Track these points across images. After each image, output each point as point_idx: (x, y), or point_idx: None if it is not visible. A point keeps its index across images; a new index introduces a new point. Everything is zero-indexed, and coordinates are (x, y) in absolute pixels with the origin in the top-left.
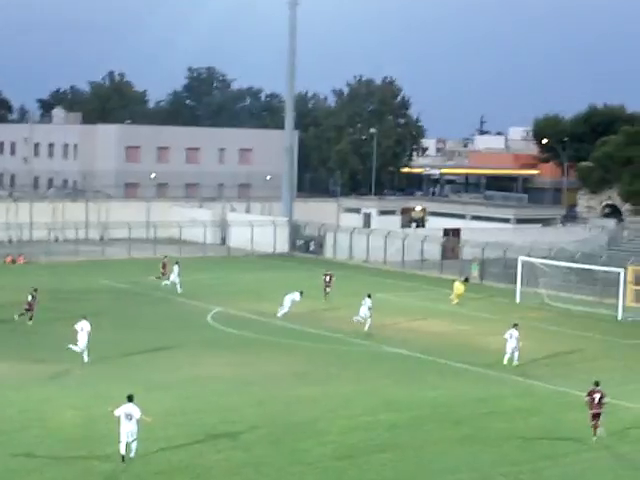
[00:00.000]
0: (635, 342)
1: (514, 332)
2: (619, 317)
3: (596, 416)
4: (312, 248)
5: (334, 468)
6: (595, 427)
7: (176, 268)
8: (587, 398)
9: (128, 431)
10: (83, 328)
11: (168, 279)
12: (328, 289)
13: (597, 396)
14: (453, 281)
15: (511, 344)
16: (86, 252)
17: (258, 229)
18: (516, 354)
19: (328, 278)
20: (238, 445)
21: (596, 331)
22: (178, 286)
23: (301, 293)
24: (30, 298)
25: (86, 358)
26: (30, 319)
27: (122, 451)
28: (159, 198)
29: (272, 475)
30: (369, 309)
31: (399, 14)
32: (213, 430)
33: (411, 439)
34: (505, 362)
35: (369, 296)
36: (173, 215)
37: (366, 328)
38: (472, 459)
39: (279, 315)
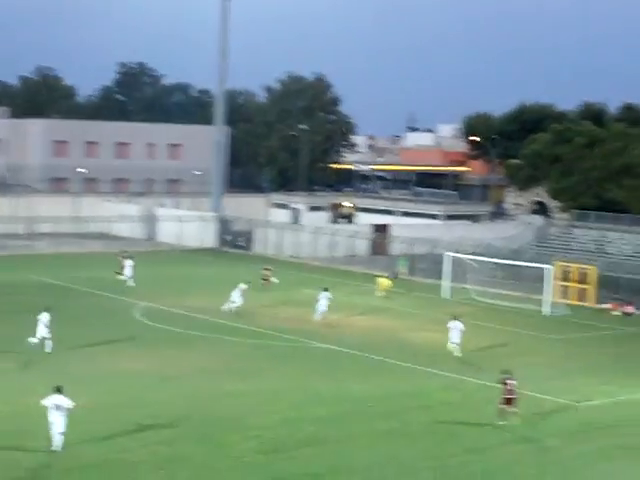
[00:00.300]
0: (561, 337)
1: (458, 324)
2: (545, 313)
3: (509, 401)
4: (241, 243)
5: (260, 462)
6: (504, 412)
7: (129, 262)
8: (501, 386)
9: (56, 422)
10: (41, 319)
11: (126, 275)
12: (266, 281)
13: (510, 382)
14: (377, 277)
15: (454, 335)
16: (14, 247)
17: (187, 224)
18: (456, 346)
19: (267, 272)
20: (164, 440)
21: (522, 326)
22: (131, 281)
23: (248, 283)
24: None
25: (48, 348)
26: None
27: (54, 443)
28: (88, 193)
29: (198, 470)
30: (328, 299)
31: (331, 11)
32: (139, 425)
33: (337, 433)
34: (454, 352)
35: (326, 289)
36: (102, 210)
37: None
38: (398, 453)
39: (227, 308)
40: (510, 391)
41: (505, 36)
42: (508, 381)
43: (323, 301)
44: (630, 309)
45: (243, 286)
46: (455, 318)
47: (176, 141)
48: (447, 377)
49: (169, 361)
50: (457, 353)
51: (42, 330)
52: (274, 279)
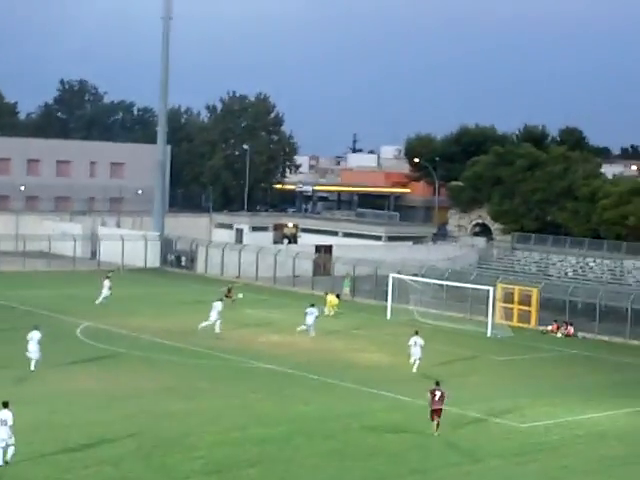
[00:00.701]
0: (503, 359)
1: (418, 339)
2: (488, 334)
3: (436, 412)
4: (183, 263)
5: None
6: (437, 423)
7: (107, 282)
8: (429, 396)
9: (2, 437)
10: (33, 337)
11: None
12: (230, 298)
13: (438, 394)
14: (325, 294)
15: (416, 351)
16: None
17: (129, 243)
18: (417, 362)
19: (227, 290)
20: (107, 460)
21: (465, 347)
22: (103, 298)
23: (221, 300)
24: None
25: (32, 367)
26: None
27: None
28: (29, 211)
29: None
30: (316, 317)
31: (274, 31)
32: (81, 445)
33: (280, 454)
34: (414, 370)
35: (312, 305)
36: (43, 228)
37: (312, 334)
38: (341, 474)
39: (204, 325)
40: (437, 402)
41: (448, 58)
42: (436, 392)
43: (310, 317)
44: (571, 330)
45: (218, 304)
46: (416, 333)
47: (118, 160)
48: (390, 398)
49: (113, 381)
50: (415, 369)
51: (32, 348)
52: (240, 295)
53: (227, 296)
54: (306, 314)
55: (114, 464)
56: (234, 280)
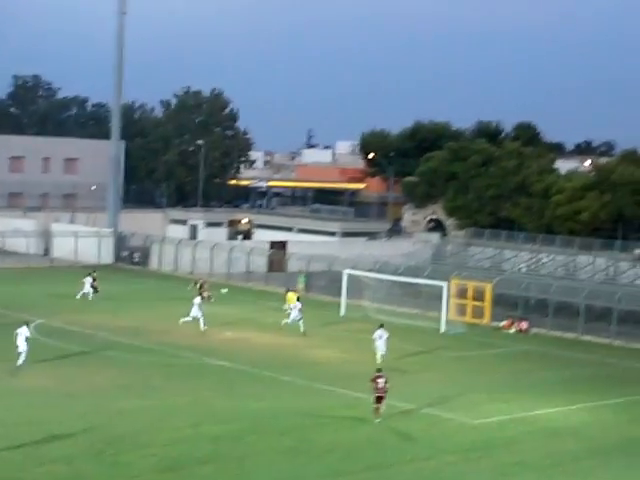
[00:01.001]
0: (457, 355)
1: (383, 333)
2: (442, 330)
3: (380, 399)
4: (137, 259)
5: None
6: (378, 410)
7: (88, 279)
8: (371, 383)
9: None
10: (21, 333)
11: (94, 291)
12: (205, 294)
13: (381, 381)
14: (286, 292)
15: (381, 345)
16: None
17: (82, 240)
18: (379, 354)
19: (199, 285)
20: (60, 458)
21: (419, 343)
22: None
23: (202, 297)
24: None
25: (20, 361)
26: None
27: None
28: None
29: None
30: (299, 311)
31: (228, 26)
32: (34, 443)
33: (234, 451)
34: (378, 361)
35: (298, 299)
36: None
37: (302, 330)
38: (296, 471)
39: (202, 326)
40: (379, 389)
41: (403, 54)
42: (378, 380)
43: (294, 311)
44: (524, 326)
45: (197, 300)
46: (381, 326)
47: (72, 155)
48: (344, 394)
49: (65, 378)
50: (380, 360)
51: (21, 343)
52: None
53: (200, 293)
54: (291, 309)
55: (67, 462)
56: (202, 280)
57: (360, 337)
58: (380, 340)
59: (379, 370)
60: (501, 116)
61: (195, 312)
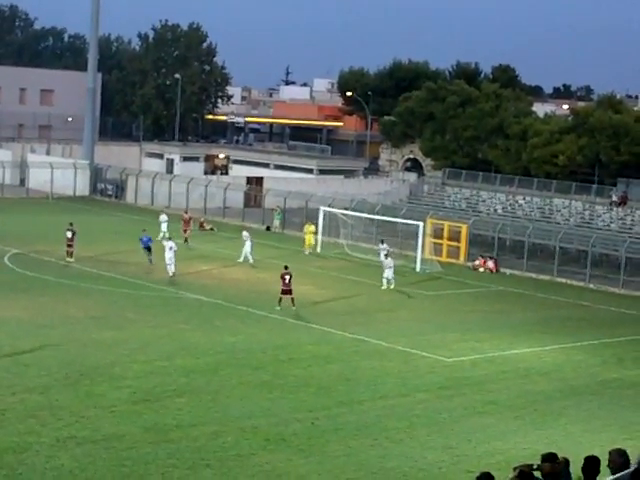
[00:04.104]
0: (432, 294)
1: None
2: (417, 269)
3: (286, 292)
4: (113, 192)
5: (130, 412)
6: (292, 299)
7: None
8: (281, 278)
9: None
10: None
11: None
12: (187, 232)
13: (287, 277)
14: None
15: (388, 263)
16: None
17: (58, 171)
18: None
19: (199, 224)
20: (33, 388)
21: (395, 282)
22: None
23: (169, 238)
24: (70, 234)
25: None
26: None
27: None
28: None
29: (68, 418)
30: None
31: None
32: (7, 373)
33: (208, 384)
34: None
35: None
36: None
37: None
38: (269, 405)
39: (170, 274)
40: (286, 283)
41: None
42: (285, 276)
43: (248, 243)
44: (491, 265)
45: (170, 243)
46: (382, 242)
47: (48, 87)
48: (318, 330)
49: (39, 309)
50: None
51: None
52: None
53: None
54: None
55: (40, 392)
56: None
57: (335, 274)
58: (387, 260)
59: (285, 267)
60: (480, 58)
61: (168, 255)
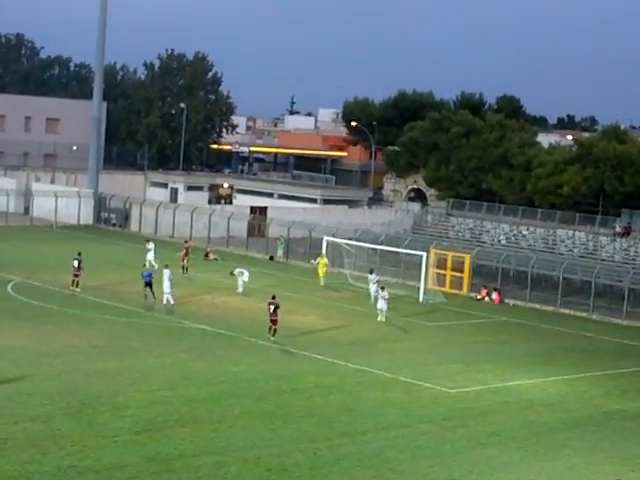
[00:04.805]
0: (435, 324)
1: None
2: (420, 299)
3: (273, 322)
4: (117, 221)
5: (132, 442)
6: (271, 329)
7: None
8: (267, 307)
9: None
10: None
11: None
12: (185, 262)
13: (272, 307)
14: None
15: (384, 295)
16: None
17: (63, 200)
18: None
19: (185, 252)
20: (36, 417)
21: (398, 312)
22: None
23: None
24: (76, 264)
25: None
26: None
27: None
28: None
29: (70, 448)
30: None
31: None
32: (10, 401)
33: (210, 414)
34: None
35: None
36: None
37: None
38: (272, 435)
39: (171, 302)
40: (272, 313)
41: (388, 23)
42: (270, 306)
43: (246, 273)
44: (495, 297)
45: (166, 271)
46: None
47: (54, 115)
48: (321, 360)
49: (43, 338)
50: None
51: None
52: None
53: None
54: (241, 274)
55: (43, 421)
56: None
57: (338, 304)
58: (379, 297)
59: (273, 297)
60: (484, 88)
61: (166, 284)
